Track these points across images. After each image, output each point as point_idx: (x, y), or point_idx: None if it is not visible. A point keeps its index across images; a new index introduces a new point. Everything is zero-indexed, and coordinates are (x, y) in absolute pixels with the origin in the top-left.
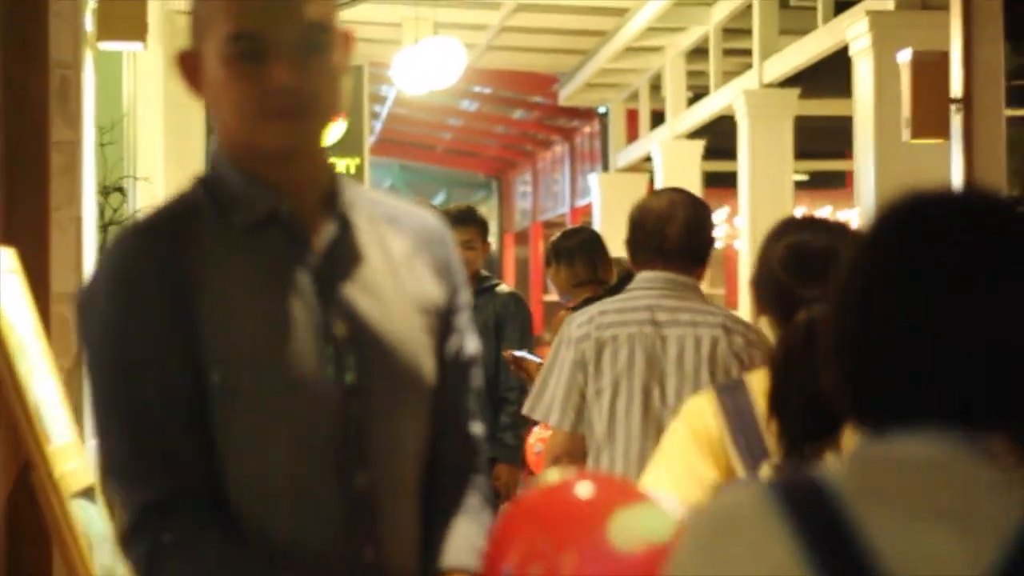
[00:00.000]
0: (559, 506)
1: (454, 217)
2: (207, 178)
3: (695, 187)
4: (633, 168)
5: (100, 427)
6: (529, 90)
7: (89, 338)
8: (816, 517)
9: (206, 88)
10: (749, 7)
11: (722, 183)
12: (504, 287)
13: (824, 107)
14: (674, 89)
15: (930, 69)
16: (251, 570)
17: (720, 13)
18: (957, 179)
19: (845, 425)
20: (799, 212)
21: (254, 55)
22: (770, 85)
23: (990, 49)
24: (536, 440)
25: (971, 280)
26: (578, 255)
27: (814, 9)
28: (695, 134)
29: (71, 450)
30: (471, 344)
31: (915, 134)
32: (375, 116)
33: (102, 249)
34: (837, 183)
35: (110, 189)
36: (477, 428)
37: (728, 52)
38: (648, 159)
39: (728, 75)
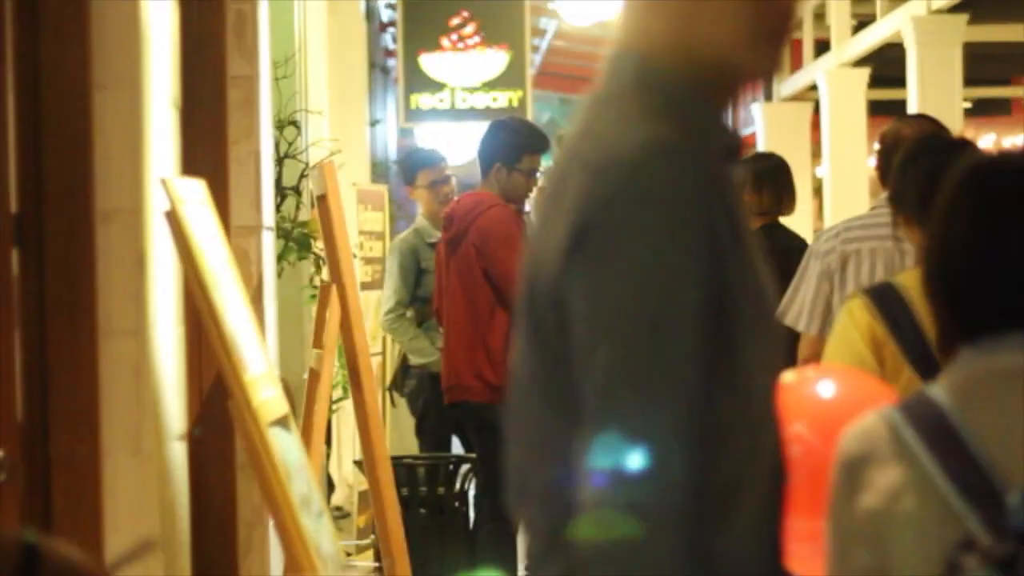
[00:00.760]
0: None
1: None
2: (674, 101)
3: (860, 115)
4: (797, 97)
5: (622, 388)
6: None
7: (617, 277)
8: (936, 428)
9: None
10: None
11: (888, 111)
12: None
13: (993, 32)
14: (839, 17)
15: None
16: None
17: None
18: None
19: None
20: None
21: None
22: (938, 11)
23: None
24: None
25: None
26: (767, 182)
27: None
28: (860, 62)
29: (266, 380)
30: None
31: None
32: (535, 50)
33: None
34: (1002, 110)
35: (285, 123)
36: None
37: None
38: (812, 88)
39: (895, 2)
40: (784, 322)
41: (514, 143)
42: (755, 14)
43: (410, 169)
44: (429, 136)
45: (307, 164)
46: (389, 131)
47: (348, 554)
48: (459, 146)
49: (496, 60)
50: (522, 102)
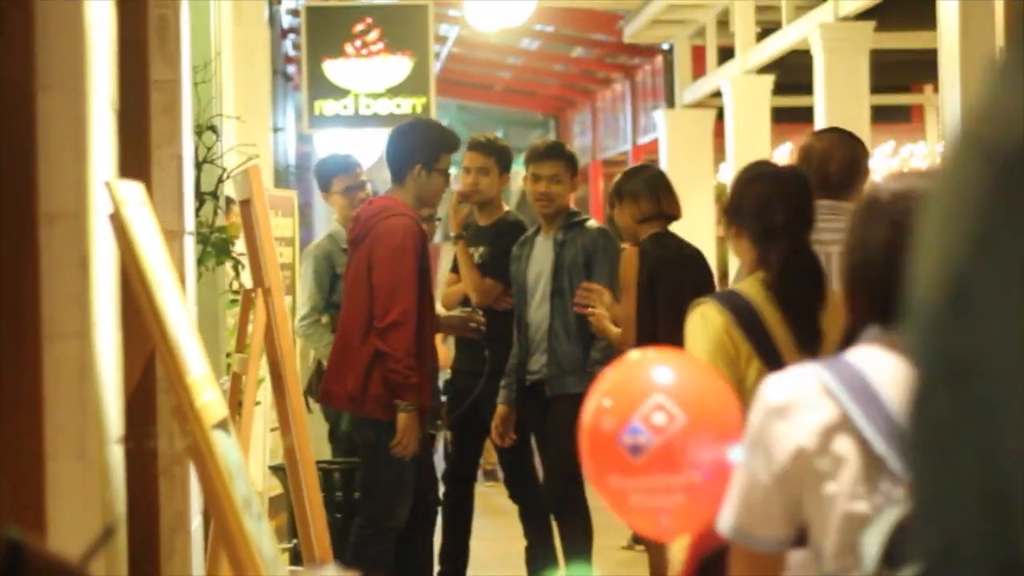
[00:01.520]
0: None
1: (540, 151)
2: None
3: (764, 122)
4: (699, 104)
5: None
6: (592, 28)
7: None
8: (857, 385)
9: None
10: None
11: (790, 118)
12: (593, 222)
13: (900, 40)
14: (743, 24)
15: None
16: None
17: None
18: None
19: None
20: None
21: None
22: (846, 18)
23: None
24: None
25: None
26: (642, 192)
27: None
28: (764, 69)
29: (206, 382)
30: None
31: None
32: (436, 57)
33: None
34: (901, 117)
35: (204, 128)
36: None
37: None
38: (715, 95)
39: (800, 9)
40: None
41: (431, 143)
42: None
43: (325, 175)
44: (330, 142)
45: (224, 169)
46: (289, 137)
47: None
48: (362, 152)
49: (400, 67)
50: (426, 108)
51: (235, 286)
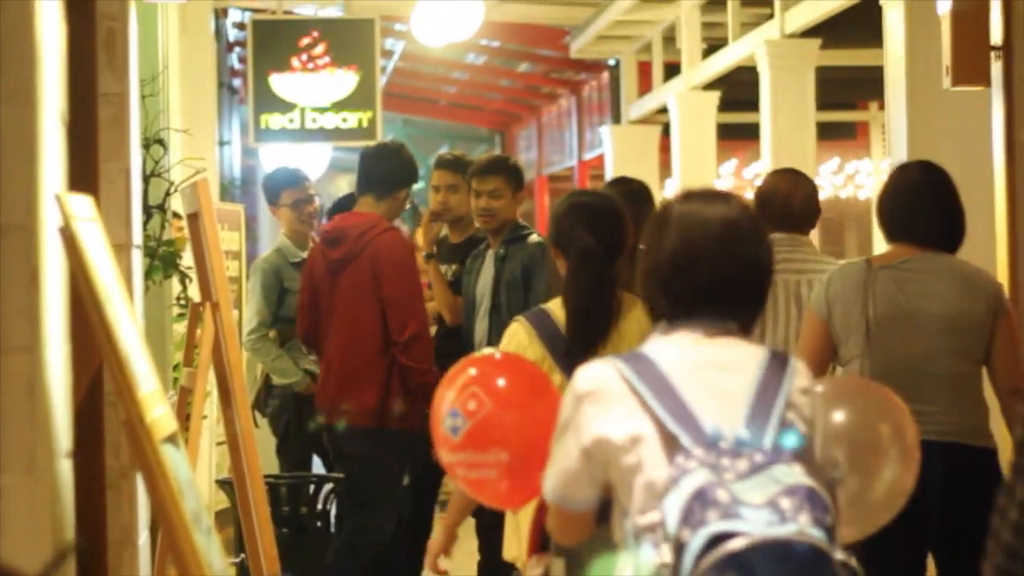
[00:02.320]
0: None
1: (480, 167)
2: None
3: (710, 138)
4: (645, 120)
5: None
6: (538, 43)
7: None
8: (652, 375)
9: None
10: None
11: (734, 134)
12: (535, 237)
13: (845, 57)
14: (689, 40)
15: (970, 17)
16: None
17: None
18: (998, 126)
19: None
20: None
21: None
22: (792, 35)
23: None
24: None
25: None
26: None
27: None
28: (710, 86)
29: (156, 397)
30: None
31: (955, 82)
32: (382, 71)
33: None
34: (847, 134)
35: (151, 141)
36: None
37: (746, 3)
38: (661, 111)
39: (746, 26)
40: None
41: (413, 167)
42: None
43: (273, 188)
44: (275, 156)
45: (171, 183)
46: (235, 151)
47: None
48: (307, 166)
49: (346, 81)
50: (372, 123)
51: (182, 299)
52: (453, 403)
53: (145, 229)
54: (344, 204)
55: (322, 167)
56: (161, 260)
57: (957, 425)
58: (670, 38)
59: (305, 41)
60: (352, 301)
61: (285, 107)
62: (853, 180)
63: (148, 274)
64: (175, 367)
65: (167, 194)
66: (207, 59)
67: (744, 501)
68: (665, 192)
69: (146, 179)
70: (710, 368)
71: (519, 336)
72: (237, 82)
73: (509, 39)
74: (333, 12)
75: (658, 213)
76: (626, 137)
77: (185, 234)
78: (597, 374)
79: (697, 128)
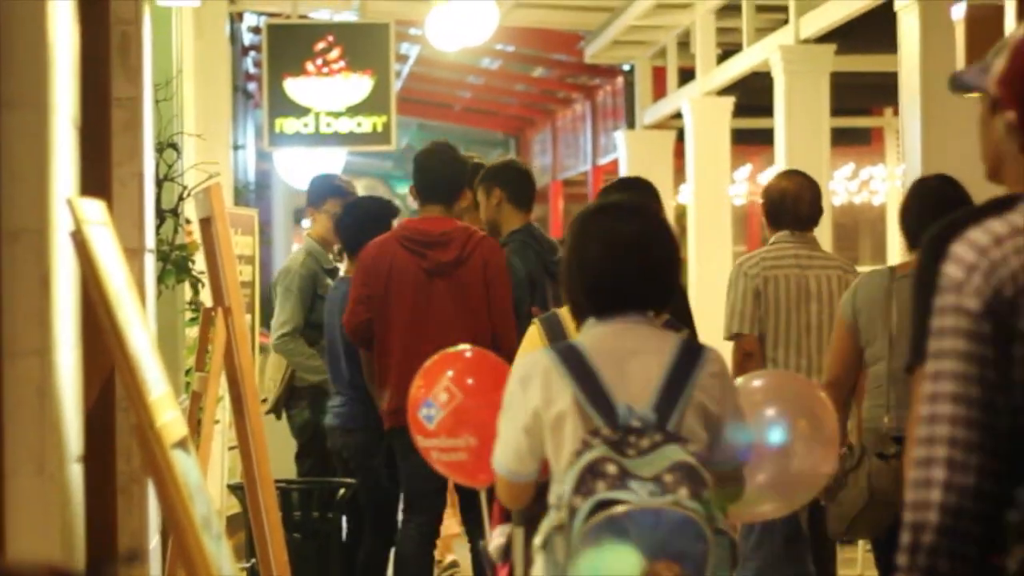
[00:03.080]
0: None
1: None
2: None
3: (724, 144)
4: (660, 125)
5: None
6: (552, 48)
7: None
8: (576, 363)
9: None
10: None
11: (749, 140)
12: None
13: (860, 63)
14: (704, 45)
15: (984, 22)
16: None
17: None
18: None
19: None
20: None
21: None
22: (807, 41)
23: None
24: None
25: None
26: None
27: None
28: (724, 91)
29: (166, 402)
30: None
31: None
32: (396, 75)
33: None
34: (861, 140)
35: (164, 145)
36: None
37: (760, 8)
38: (675, 116)
39: (761, 31)
40: (730, 329)
41: (467, 167)
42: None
43: (320, 192)
44: (289, 160)
45: (184, 187)
46: (249, 155)
47: None
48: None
49: (361, 85)
50: (386, 127)
51: (194, 304)
52: (428, 395)
53: (158, 233)
54: (354, 210)
55: (336, 171)
56: (174, 264)
57: None
58: (685, 43)
59: (320, 45)
60: (457, 304)
61: (300, 111)
62: (867, 186)
63: (160, 278)
64: (187, 372)
65: (180, 198)
66: (222, 63)
67: (635, 475)
68: (679, 197)
69: (159, 183)
70: (626, 354)
71: (535, 337)
72: (252, 86)
73: (524, 44)
74: (348, 16)
75: (578, 226)
76: (640, 142)
77: (197, 239)
78: (533, 360)
79: (711, 133)
